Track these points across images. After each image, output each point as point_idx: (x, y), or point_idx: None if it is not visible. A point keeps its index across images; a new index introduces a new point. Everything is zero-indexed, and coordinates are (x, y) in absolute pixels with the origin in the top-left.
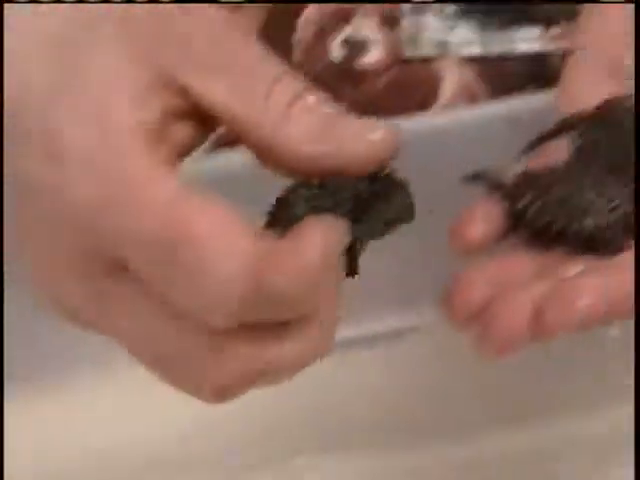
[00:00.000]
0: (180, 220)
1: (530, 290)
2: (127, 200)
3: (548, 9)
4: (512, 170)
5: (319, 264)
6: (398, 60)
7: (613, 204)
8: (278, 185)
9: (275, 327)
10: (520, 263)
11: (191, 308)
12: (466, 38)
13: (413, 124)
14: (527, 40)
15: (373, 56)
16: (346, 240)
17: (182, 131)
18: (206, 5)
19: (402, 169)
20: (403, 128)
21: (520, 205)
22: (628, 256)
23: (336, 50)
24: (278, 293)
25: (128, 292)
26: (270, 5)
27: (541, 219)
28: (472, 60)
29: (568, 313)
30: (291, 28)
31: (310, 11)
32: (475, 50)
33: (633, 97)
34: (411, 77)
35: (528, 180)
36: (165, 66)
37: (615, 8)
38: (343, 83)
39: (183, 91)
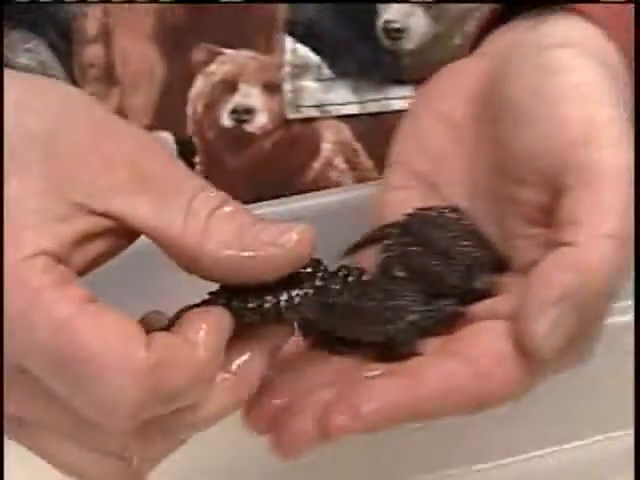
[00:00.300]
0: (71, 340)
1: (320, 395)
2: (26, 321)
3: (419, 67)
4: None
5: (209, 354)
6: (281, 123)
7: (403, 312)
8: None
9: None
10: (319, 370)
11: (92, 417)
12: (344, 99)
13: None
14: (401, 98)
15: (259, 121)
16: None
17: (100, 246)
18: (131, 126)
19: None
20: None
21: (310, 315)
22: (423, 360)
23: (225, 118)
24: (174, 389)
25: (42, 394)
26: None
27: (329, 328)
28: (350, 118)
29: (352, 417)
30: (184, 102)
31: (200, 83)
32: (352, 109)
33: (438, 209)
34: (294, 137)
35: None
36: (79, 199)
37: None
38: (234, 148)
39: (104, 214)
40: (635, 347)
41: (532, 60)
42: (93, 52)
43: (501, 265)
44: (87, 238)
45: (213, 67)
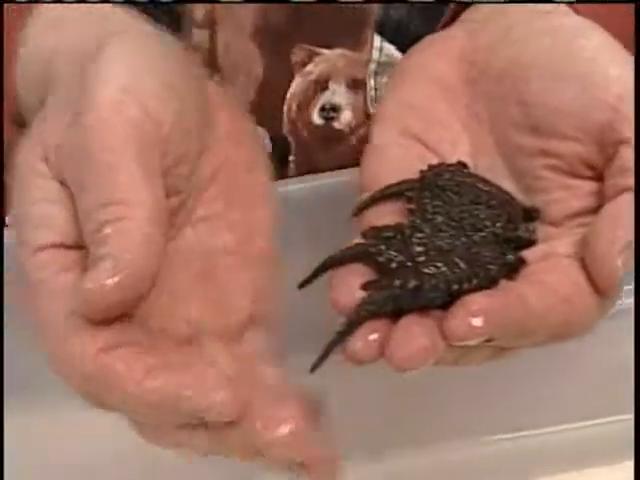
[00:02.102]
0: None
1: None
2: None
3: None
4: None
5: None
6: (365, 119)
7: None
8: None
9: None
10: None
11: None
12: None
13: None
14: None
15: (344, 118)
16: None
17: None
18: None
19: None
20: None
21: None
22: (510, 288)
23: (316, 117)
24: None
25: None
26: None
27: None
28: None
29: (469, 325)
30: (281, 100)
31: (297, 83)
32: None
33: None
34: None
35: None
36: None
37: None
38: (325, 145)
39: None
40: (635, 347)
41: (542, 23)
42: (199, 36)
43: (528, 216)
44: None
45: (310, 67)
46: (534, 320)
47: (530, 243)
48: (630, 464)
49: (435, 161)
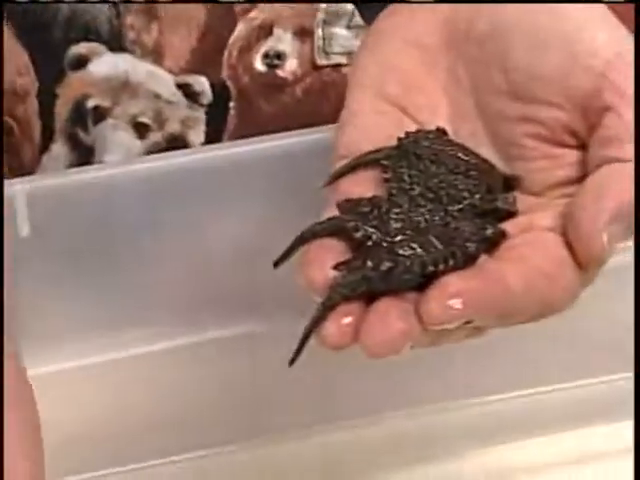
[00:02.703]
0: None
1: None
2: None
3: None
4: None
5: None
6: (311, 69)
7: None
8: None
9: None
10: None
11: None
12: None
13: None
14: None
15: (289, 66)
16: None
17: None
18: None
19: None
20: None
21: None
22: (487, 266)
23: (259, 63)
24: None
25: None
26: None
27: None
28: None
29: (445, 308)
30: (222, 47)
31: (240, 29)
32: None
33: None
34: (324, 84)
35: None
36: None
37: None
38: (267, 93)
39: None
40: (635, 345)
41: None
42: None
43: (508, 185)
44: None
45: (254, 13)
46: (514, 300)
47: (510, 214)
48: (629, 423)
49: (413, 128)
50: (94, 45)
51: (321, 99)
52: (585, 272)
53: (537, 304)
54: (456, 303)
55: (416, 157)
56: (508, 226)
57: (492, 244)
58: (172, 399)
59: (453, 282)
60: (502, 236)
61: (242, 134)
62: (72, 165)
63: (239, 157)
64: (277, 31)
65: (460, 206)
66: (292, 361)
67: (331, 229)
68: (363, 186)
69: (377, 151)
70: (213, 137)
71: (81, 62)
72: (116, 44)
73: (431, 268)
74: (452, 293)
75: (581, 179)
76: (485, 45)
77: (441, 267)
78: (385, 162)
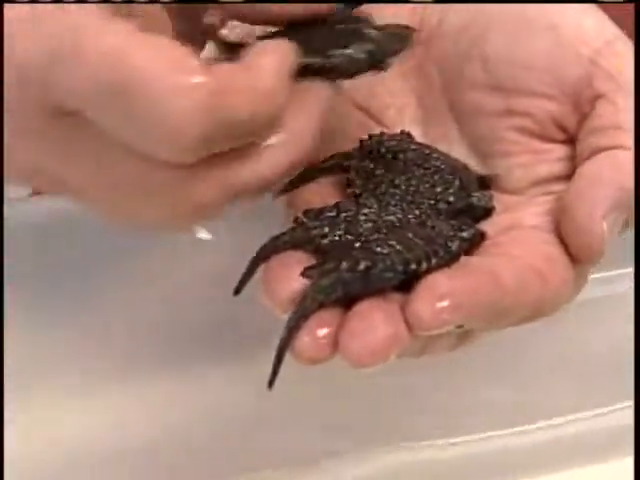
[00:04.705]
0: (128, 65)
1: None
2: (75, 51)
3: None
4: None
5: (274, 82)
6: None
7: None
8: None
9: (242, 150)
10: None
11: (149, 150)
12: None
13: None
14: None
15: None
16: (295, 59)
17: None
18: None
19: None
20: None
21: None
22: (478, 263)
23: None
24: (237, 117)
25: (89, 137)
26: None
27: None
28: None
29: (437, 311)
30: None
31: (208, 48)
32: None
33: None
34: None
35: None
36: None
37: None
38: None
39: None
40: (635, 346)
41: None
42: None
43: (483, 184)
44: None
45: (225, 31)
46: (508, 300)
47: (487, 212)
48: (629, 460)
49: (378, 130)
50: None
51: None
52: (579, 269)
53: (530, 304)
54: (447, 306)
55: (381, 156)
56: (488, 226)
57: (471, 246)
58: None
59: (442, 282)
60: (481, 237)
61: None
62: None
63: None
64: None
65: (433, 203)
66: (270, 383)
67: (294, 241)
68: (322, 197)
69: (334, 156)
70: None
71: None
72: None
73: (413, 266)
74: (442, 294)
75: (565, 177)
76: (460, 37)
77: (424, 265)
78: (347, 163)
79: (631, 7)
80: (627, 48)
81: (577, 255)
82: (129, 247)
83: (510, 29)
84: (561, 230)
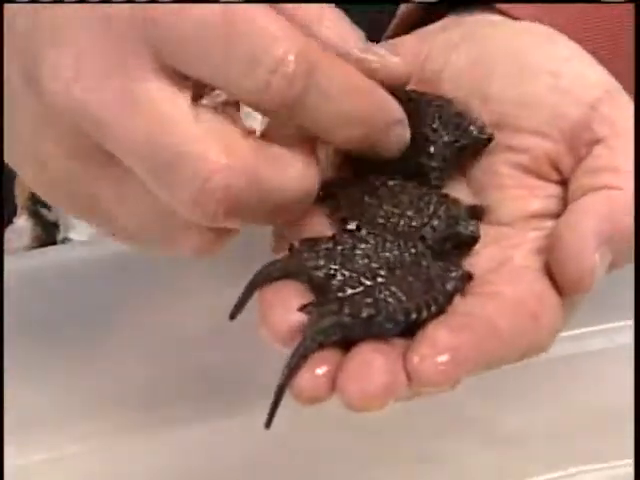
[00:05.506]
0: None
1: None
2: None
3: None
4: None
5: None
6: None
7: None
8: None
9: None
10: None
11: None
12: None
13: None
14: None
15: None
16: None
17: None
18: None
19: None
20: None
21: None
22: (470, 306)
23: None
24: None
25: (117, 174)
26: None
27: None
28: None
29: (437, 365)
30: None
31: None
32: None
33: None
34: None
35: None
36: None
37: None
38: None
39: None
40: (635, 349)
41: (507, 26)
42: None
43: (472, 214)
44: None
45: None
46: (505, 348)
47: (473, 240)
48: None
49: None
50: None
51: None
52: (568, 301)
53: (525, 347)
54: (449, 362)
55: (368, 185)
56: (478, 259)
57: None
58: None
59: (444, 337)
60: (469, 278)
61: None
62: (37, 239)
63: None
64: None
65: (421, 233)
66: (268, 423)
67: (288, 270)
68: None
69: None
70: None
71: None
72: None
73: (414, 316)
74: (444, 349)
75: (557, 215)
76: (461, 79)
77: (424, 314)
78: (333, 189)
79: (631, 7)
80: (627, 100)
81: (566, 286)
82: (135, 290)
83: (513, 72)
84: (551, 261)
